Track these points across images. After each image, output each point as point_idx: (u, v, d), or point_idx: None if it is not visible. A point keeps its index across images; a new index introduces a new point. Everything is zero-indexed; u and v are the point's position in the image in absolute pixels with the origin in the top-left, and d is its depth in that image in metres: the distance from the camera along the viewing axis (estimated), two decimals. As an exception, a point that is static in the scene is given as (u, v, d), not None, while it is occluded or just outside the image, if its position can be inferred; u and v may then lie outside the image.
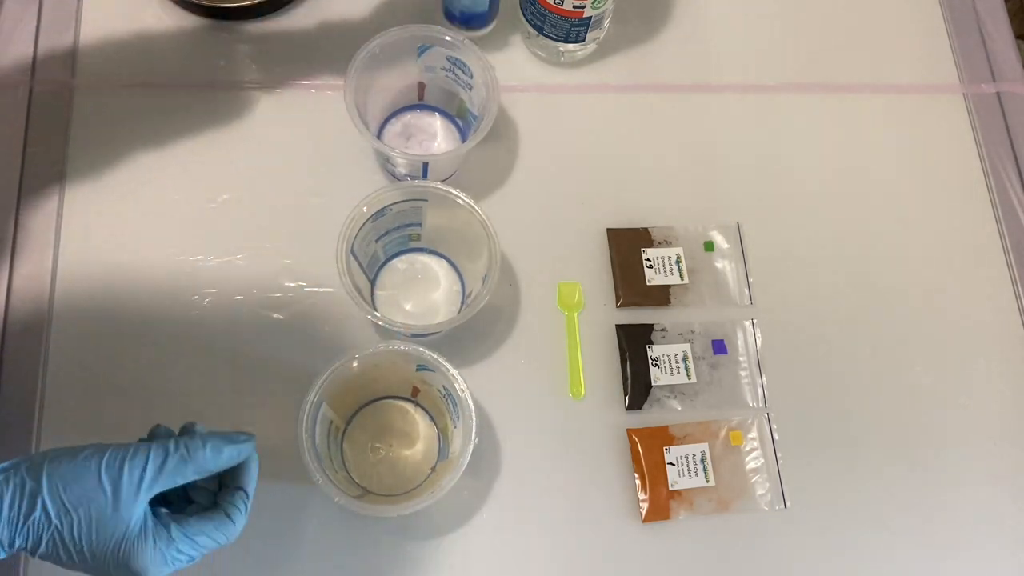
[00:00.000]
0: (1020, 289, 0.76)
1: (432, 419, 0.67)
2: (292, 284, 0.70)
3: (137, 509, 0.46)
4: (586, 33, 0.75)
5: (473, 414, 0.59)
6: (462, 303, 0.70)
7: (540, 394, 0.69)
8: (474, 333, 0.69)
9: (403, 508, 0.58)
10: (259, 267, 0.71)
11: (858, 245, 0.77)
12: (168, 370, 0.67)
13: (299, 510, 0.64)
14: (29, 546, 0.45)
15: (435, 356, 0.60)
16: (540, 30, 0.76)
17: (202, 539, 0.49)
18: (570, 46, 0.77)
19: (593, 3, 0.72)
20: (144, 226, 0.71)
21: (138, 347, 0.67)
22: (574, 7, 0.72)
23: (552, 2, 0.72)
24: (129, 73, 0.76)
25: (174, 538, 0.48)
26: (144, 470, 0.46)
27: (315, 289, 0.70)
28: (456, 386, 0.60)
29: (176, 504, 0.52)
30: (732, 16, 0.84)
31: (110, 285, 0.69)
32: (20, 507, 0.44)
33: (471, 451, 0.59)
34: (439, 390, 0.63)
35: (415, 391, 0.67)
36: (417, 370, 0.63)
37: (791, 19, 0.85)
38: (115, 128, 0.74)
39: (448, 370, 0.60)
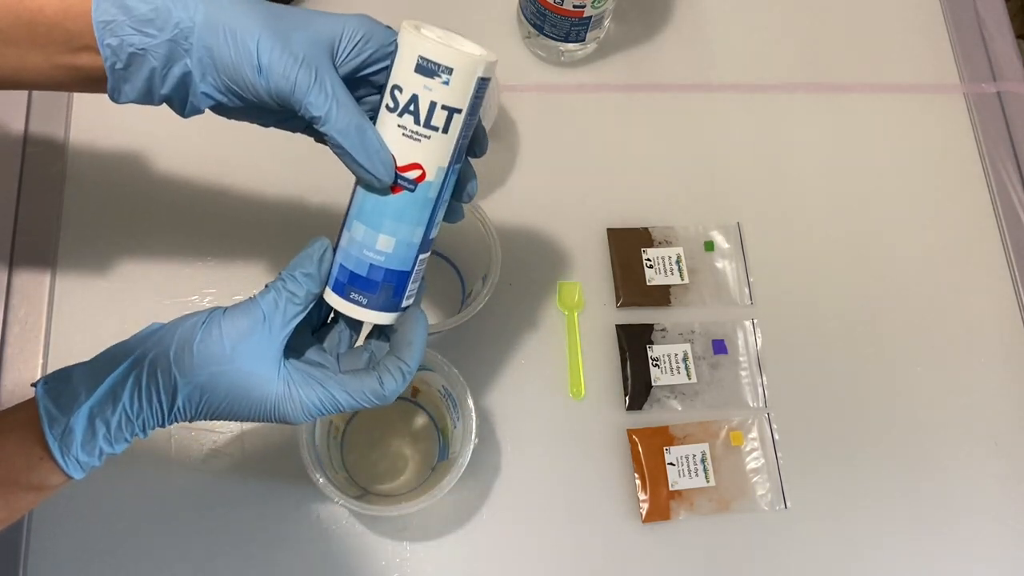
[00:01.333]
0: (1020, 289, 0.76)
1: (432, 419, 0.67)
2: (292, 284, 0.70)
3: (272, 365, 0.46)
4: (586, 32, 0.75)
5: (473, 414, 0.59)
6: (462, 303, 0.70)
7: (540, 394, 0.69)
8: (474, 333, 0.69)
9: (403, 508, 0.58)
10: (259, 267, 0.71)
11: (858, 245, 0.77)
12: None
13: (299, 510, 0.64)
14: (183, 420, 0.47)
15: (435, 356, 0.60)
16: (540, 30, 0.76)
17: (343, 397, 0.48)
18: (570, 46, 0.77)
19: (593, 3, 0.72)
20: (144, 226, 0.71)
21: (138, 347, 0.67)
22: (574, 7, 0.72)
23: (552, 1, 0.72)
24: (129, 73, 0.76)
25: (320, 395, 0.47)
26: (263, 321, 0.46)
27: (315, 289, 0.70)
28: (456, 386, 0.60)
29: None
30: (732, 16, 0.84)
31: (110, 284, 0.69)
32: (162, 404, 0.45)
33: (471, 451, 0.59)
34: (439, 390, 0.63)
35: (415, 391, 0.67)
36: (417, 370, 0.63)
37: (791, 19, 0.85)
38: (115, 128, 0.74)
39: (448, 370, 0.60)
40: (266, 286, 0.48)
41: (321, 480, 0.57)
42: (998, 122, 0.83)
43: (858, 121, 0.82)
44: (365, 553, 0.64)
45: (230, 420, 0.47)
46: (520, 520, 0.65)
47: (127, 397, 0.45)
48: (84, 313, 0.68)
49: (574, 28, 0.75)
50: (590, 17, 0.73)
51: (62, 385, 0.46)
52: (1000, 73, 0.85)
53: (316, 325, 0.52)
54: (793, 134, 0.80)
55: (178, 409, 0.46)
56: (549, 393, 0.69)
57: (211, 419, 0.47)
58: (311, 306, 0.48)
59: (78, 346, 0.67)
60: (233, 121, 0.75)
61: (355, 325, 0.52)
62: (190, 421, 0.47)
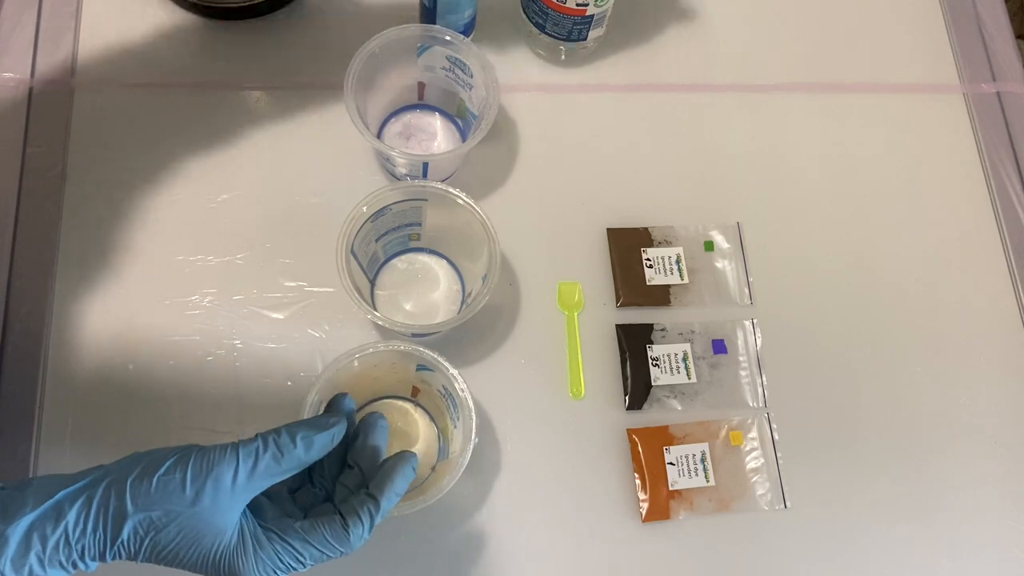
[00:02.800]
0: (1020, 289, 0.76)
1: (432, 419, 0.67)
2: (292, 284, 0.70)
3: (231, 517, 0.44)
4: (588, 31, 0.75)
5: (473, 414, 0.59)
6: (462, 303, 0.70)
7: (540, 394, 0.69)
8: (474, 333, 0.69)
9: (403, 508, 0.58)
10: (259, 267, 0.71)
11: (858, 245, 0.77)
12: (168, 370, 0.67)
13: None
14: (124, 558, 0.43)
15: (435, 356, 0.60)
16: (542, 28, 0.76)
17: (308, 550, 0.46)
18: (571, 45, 0.77)
19: (596, 1, 0.72)
20: (144, 226, 0.71)
21: (138, 347, 0.67)
22: (577, 4, 0.72)
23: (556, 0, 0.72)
24: (129, 73, 0.76)
25: (276, 548, 0.45)
26: (235, 476, 0.44)
27: (315, 289, 0.70)
28: (456, 386, 0.60)
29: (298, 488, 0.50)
30: (732, 16, 0.84)
31: (110, 285, 0.69)
32: (107, 531, 0.42)
33: (471, 451, 0.59)
34: (439, 390, 0.63)
35: (415, 391, 0.67)
36: (417, 370, 0.63)
37: (791, 19, 0.85)
38: (115, 128, 0.74)
39: (448, 370, 0.60)
40: (256, 436, 0.46)
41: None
42: (998, 122, 0.83)
43: (858, 121, 0.82)
44: (365, 553, 0.63)
45: (175, 567, 0.44)
46: (520, 520, 0.65)
47: (72, 516, 0.42)
48: (84, 313, 0.68)
49: (576, 27, 0.75)
50: (592, 16, 0.73)
51: (16, 492, 0.43)
52: (1000, 73, 0.85)
53: (293, 485, 0.50)
54: (793, 134, 0.80)
55: (121, 542, 0.43)
56: (549, 393, 0.69)
57: (155, 562, 0.44)
58: (291, 474, 0.46)
59: (78, 346, 0.67)
60: (233, 121, 0.76)
61: None
62: (133, 559, 0.44)
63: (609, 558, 0.65)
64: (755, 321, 0.73)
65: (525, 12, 0.77)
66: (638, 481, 0.67)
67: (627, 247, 0.74)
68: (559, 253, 0.74)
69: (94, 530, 0.42)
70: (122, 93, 0.75)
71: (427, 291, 0.71)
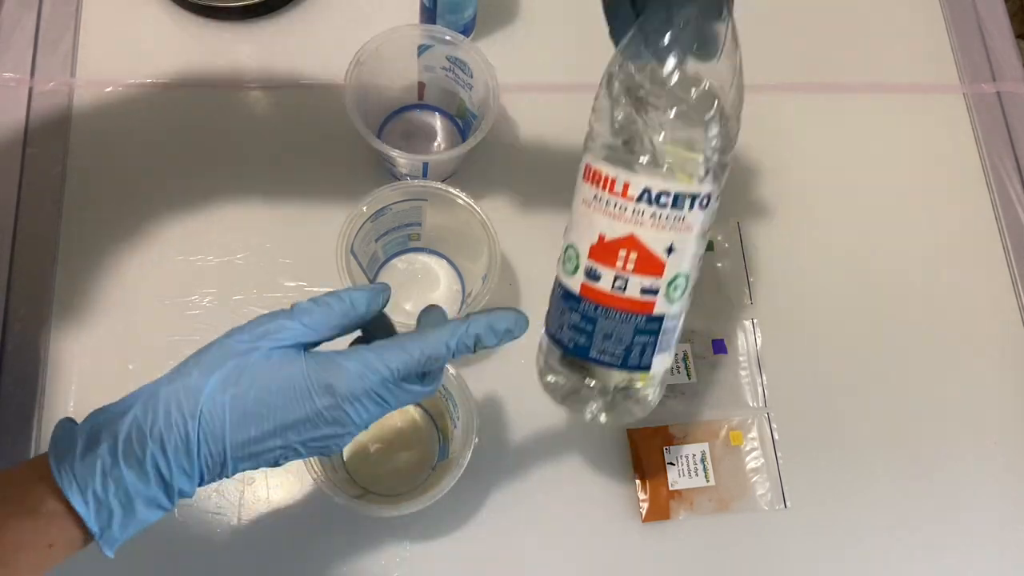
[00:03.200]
0: (1020, 289, 0.76)
1: (432, 419, 0.67)
2: (292, 284, 0.70)
3: (299, 359, 0.42)
4: None
5: (473, 414, 0.59)
6: (462, 303, 0.70)
7: (540, 394, 0.69)
8: (474, 333, 0.69)
9: (403, 508, 0.58)
10: (259, 267, 0.71)
11: (858, 245, 0.77)
12: (168, 368, 0.67)
13: (299, 510, 0.64)
14: (207, 443, 0.42)
15: (435, 356, 0.60)
16: None
17: (390, 352, 0.43)
18: None
19: None
20: (144, 226, 0.71)
21: (138, 347, 0.67)
22: None
23: None
24: (129, 73, 0.76)
25: (363, 355, 0.43)
26: (285, 328, 0.43)
27: (315, 289, 0.70)
28: (456, 386, 0.60)
29: None
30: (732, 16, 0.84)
31: (110, 285, 0.69)
32: (183, 417, 0.41)
33: (471, 451, 0.59)
34: (439, 390, 0.63)
35: (415, 391, 0.67)
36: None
37: (791, 19, 0.85)
38: (115, 128, 0.74)
39: (448, 370, 0.60)
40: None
41: (321, 479, 0.57)
42: (998, 122, 0.83)
43: (858, 121, 0.82)
44: (365, 553, 0.64)
45: (267, 427, 0.42)
46: (520, 520, 0.65)
47: (139, 410, 0.42)
48: (84, 313, 0.68)
49: None
50: None
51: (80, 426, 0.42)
52: (1000, 73, 0.85)
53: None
54: (793, 134, 0.80)
55: (203, 414, 0.41)
56: (549, 393, 0.69)
57: (243, 434, 0.41)
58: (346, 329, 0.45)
59: (79, 346, 0.67)
60: (232, 120, 0.75)
61: None
62: (222, 445, 0.41)
63: (609, 558, 0.65)
64: (755, 321, 0.73)
65: None
66: (638, 481, 0.67)
67: (627, 247, 0.73)
68: (559, 253, 0.73)
69: (167, 421, 0.41)
70: (122, 93, 0.75)
71: (427, 291, 0.71)
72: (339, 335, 0.46)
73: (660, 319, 0.50)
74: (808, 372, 0.72)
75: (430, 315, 0.48)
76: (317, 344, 0.45)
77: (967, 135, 0.82)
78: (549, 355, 0.55)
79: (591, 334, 0.51)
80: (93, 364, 0.67)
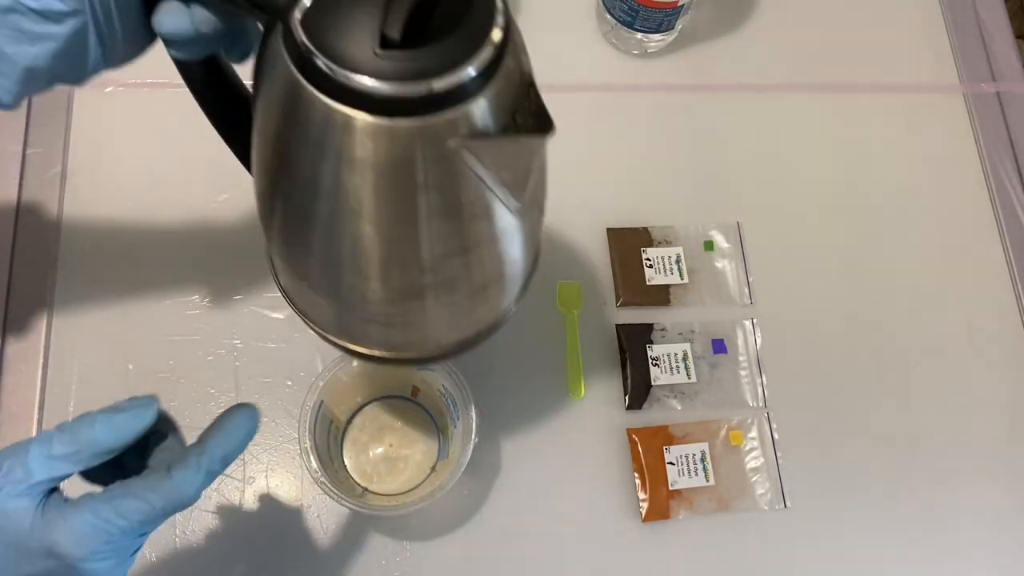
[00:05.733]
0: (1020, 289, 0.76)
1: (432, 419, 0.67)
2: (292, 284, 0.70)
3: (26, 503, 0.40)
4: (676, 21, 0.77)
5: (473, 414, 0.59)
6: (462, 303, 0.70)
7: (540, 394, 0.69)
8: (474, 333, 0.69)
9: (403, 508, 0.58)
10: (259, 267, 0.70)
11: (858, 245, 0.77)
12: (168, 370, 0.67)
13: (299, 510, 0.64)
14: None
15: (435, 356, 0.60)
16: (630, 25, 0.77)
17: (128, 502, 0.40)
18: (656, 37, 0.79)
19: None
20: (144, 225, 0.71)
21: (138, 347, 0.67)
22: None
23: None
24: (129, 73, 0.76)
25: (91, 507, 0.40)
26: (27, 464, 0.40)
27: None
28: (456, 386, 0.60)
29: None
30: (731, 16, 0.84)
31: (110, 285, 0.69)
32: None
33: (471, 451, 0.59)
34: (439, 390, 0.63)
35: (415, 391, 0.67)
36: (417, 370, 0.63)
37: (791, 19, 0.85)
38: (115, 128, 0.74)
39: (448, 370, 0.60)
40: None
41: (322, 479, 0.57)
42: (998, 122, 0.83)
43: (858, 121, 0.82)
44: (365, 553, 0.64)
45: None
46: (520, 520, 0.65)
47: None
48: (84, 313, 0.68)
49: (667, 18, 0.74)
50: (683, 5, 0.74)
51: None
52: (1000, 73, 0.85)
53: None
54: (793, 134, 0.80)
55: None
56: (549, 393, 0.69)
57: None
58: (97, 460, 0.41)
59: (78, 346, 0.67)
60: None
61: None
62: None
63: (609, 558, 0.65)
64: (755, 321, 0.73)
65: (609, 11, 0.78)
66: (638, 481, 0.67)
67: (627, 247, 0.74)
68: (559, 253, 0.74)
69: None
70: (122, 93, 0.75)
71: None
72: (101, 461, 0.42)
73: None
74: (808, 372, 0.72)
75: (163, 452, 0.45)
76: (68, 476, 0.42)
77: (967, 135, 0.82)
78: None
79: None
80: (93, 364, 0.67)
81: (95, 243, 0.70)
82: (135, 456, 0.44)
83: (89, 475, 0.43)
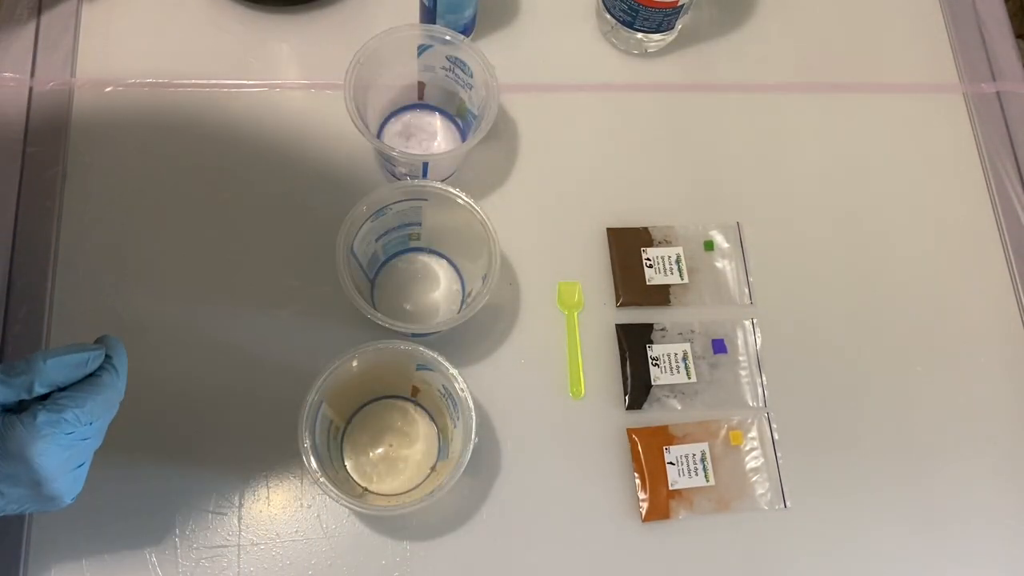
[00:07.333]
0: (1020, 289, 0.76)
1: (432, 419, 0.67)
2: (292, 284, 0.70)
3: None
4: (676, 21, 0.77)
5: (473, 414, 0.59)
6: (462, 303, 0.70)
7: (540, 394, 0.69)
8: (474, 333, 0.69)
9: (403, 508, 0.58)
10: (259, 266, 0.71)
11: (858, 245, 0.77)
12: (168, 369, 0.67)
13: (299, 510, 0.64)
14: None
15: (435, 356, 0.60)
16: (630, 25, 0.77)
17: (67, 400, 0.47)
18: (656, 36, 0.78)
19: None
20: (144, 225, 0.71)
21: (138, 346, 0.67)
22: None
23: None
24: (129, 73, 0.76)
25: (40, 410, 0.46)
26: None
27: (315, 289, 0.70)
28: (456, 386, 0.60)
29: None
30: (732, 16, 0.84)
31: (109, 286, 0.69)
32: None
33: (471, 451, 0.59)
34: (439, 390, 0.63)
35: (415, 391, 0.67)
36: (417, 370, 0.63)
37: (791, 19, 0.85)
38: (115, 128, 0.74)
39: (448, 370, 0.60)
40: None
41: (321, 479, 0.57)
42: (998, 122, 0.83)
43: (858, 121, 0.82)
44: (365, 553, 0.64)
45: None
46: (520, 520, 0.65)
47: None
48: (84, 313, 0.68)
49: (667, 18, 0.74)
50: (683, 5, 0.74)
51: None
52: (1000, 73, 0.85)
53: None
54: (793, 134, 0.80)
55: None
56: (549, 393, 0.69)
57: None
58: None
59: (78, 346, 0.67)
60: (232, 120, 0.75)
61: None
62: None
63: (609, 558, 0.65)
64: (755, 321, 0.73)
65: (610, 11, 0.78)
66: (638, 481, 0.67)
67: (627, 247, 0.74)
68: (559, 253, 0.74)
69: None
70: (122, 93, 0.75)
71: (427, 291, 0.71)
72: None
73: None
74: (808, 372, 0.72)
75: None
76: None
77: (967, 135, 0.82)
78: None
79: None
80: (93, 364, 0.67)
81: (95, 243, 0.70)
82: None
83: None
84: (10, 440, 0.46)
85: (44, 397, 0.48)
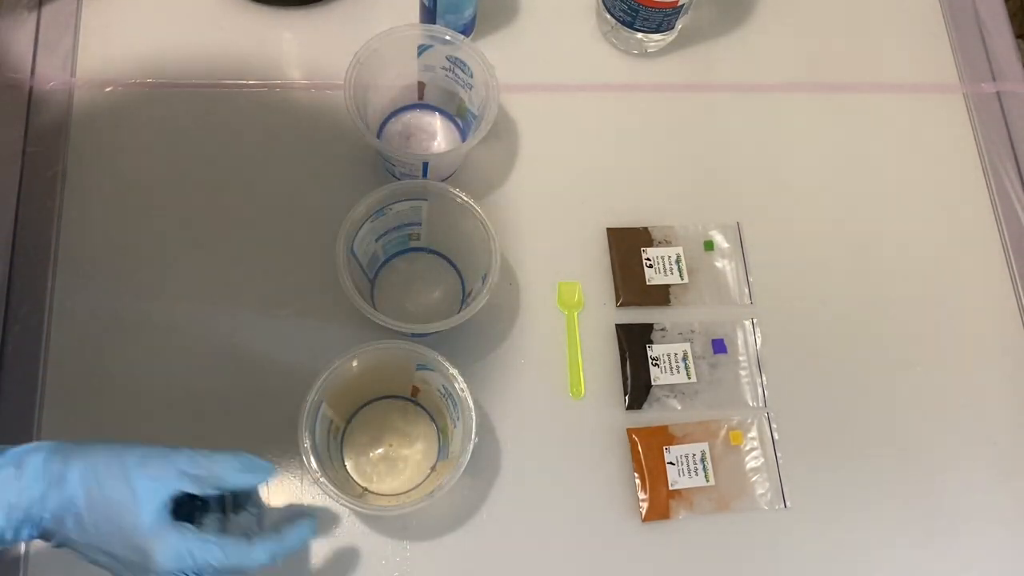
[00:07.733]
0: (1020, 289, 0.76)
1: (432, 419, 0.67)
2: (292, 284, 0.70)
3: (150, 502, 0.47)
4: (676, 21, 0.77)
5: (473, 414, 0.59)
6: (462, 303, 0.70)
7: (540, 394, 0.69)
8: (474, 333, 0.69)
9: (403, 508, 0.58)
10: (259, 267, 0.71)
11: (858, 245, 0.77)
12: (168, 369, 0.67)
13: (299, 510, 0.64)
14: (47, 529, 0.47)
15: (435, 356, 0.60)
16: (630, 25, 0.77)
17: (211, 550, 0.49)
18: (656, 36, 0.78)
19: None
20: (144, 225, 0.71)
21: (138, 347, 0.67)
22: None
23: None
24: (129, 73, 0.76)
25: (188, 538, 0.48)
26: (163, 469, 0.48)
27: (315, 288, 0.70)
28: (456, 386, 0.60)
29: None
30: (731, 16, 0.84)
31: (109, 283, 0.69)
32: (48, 486, 0.46)
33: (471, 450, 0.59)
34: (439, 390, 0.63)
35: (415, 391, 0.67)
36: (417, 370, 0.63)
37: (791, 19, 0.85)
38: (115, 128, 0.74)
39: (448, 370, 0.60)
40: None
41: (321, 479, 0.57)
42: (998, 122, 0.83)
43: (858, 121, 0.82)
44: (365, 553, 0.64)
45: (87, 538, 0.47)
46: (520, 520, 0.65)
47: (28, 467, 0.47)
48: (84, 313, 0.68)
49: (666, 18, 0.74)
50: (683, 5, 0.73)
51: None
52: (1000, 73, 0.85)
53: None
54: (793, 134, 0.80)
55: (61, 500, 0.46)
56: (549, 393, 0.69)
57: (78, 536, 0.47)
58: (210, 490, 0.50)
59: (78, 346, 0.67)
60: (232, 120, 0.75)
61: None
62: (54, 535, 0.48)
63: (609, 558, 0.65)
64: (755, 321, 0.73)
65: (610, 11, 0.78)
66: (638, 481, 0.67)
67: (627, 247, 0.74)
68: (559, 253, 0.74)
69: (37, 483, 0.46)
70: (122, 93, 0.75)
71: (427, 291, 0.71)
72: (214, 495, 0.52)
73: None
74: (808, 372, 0.72)
75: (246, 518, 0.55)
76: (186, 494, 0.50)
77: (967, 135, 0.82)
78: None
79: None
80: (93, 364, 0.67)
81: (95, 243, 0.70)
82: (217, 500, 0.54)
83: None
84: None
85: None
